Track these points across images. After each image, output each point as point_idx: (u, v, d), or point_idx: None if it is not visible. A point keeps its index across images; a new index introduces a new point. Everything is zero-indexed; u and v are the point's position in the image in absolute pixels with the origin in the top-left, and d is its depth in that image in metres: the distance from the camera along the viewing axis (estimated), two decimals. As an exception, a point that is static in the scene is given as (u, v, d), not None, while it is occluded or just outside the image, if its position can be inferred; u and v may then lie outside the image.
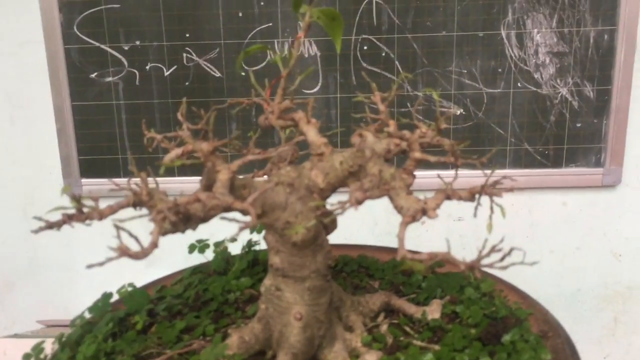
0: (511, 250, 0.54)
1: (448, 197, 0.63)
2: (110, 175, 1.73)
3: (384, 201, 0.61)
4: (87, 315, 0.83)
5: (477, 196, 0.63)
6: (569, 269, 1.82)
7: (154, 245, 0.56)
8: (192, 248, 0.96)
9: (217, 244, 0.98)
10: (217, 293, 0.83)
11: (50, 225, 0.63)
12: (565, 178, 1.72)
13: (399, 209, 0.60)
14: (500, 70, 1.64)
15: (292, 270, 0.66)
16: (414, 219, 0.57)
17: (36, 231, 0.64)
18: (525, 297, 0.85)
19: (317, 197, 0.63)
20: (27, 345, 1.41)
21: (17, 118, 1.73)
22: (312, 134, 0.66)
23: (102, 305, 0.84)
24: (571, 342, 0.73)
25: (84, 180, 1.74)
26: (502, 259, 0.52)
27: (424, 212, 0.59)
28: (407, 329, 0.75)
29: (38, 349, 0.73)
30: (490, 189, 0.61)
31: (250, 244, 0.97)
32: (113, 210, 0.62)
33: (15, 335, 1.44)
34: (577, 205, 1.77)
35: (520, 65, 1.64)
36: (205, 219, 0.64)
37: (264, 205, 0.63)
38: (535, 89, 1.65)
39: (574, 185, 1.73)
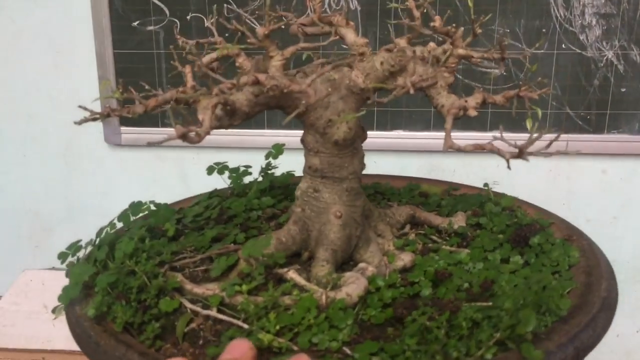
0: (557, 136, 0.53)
1: (484, 101, 0.62)
2: (149, 125, 1.76)
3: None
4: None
5: (512, 101, 0.62)
6: (605, 239, 1.75)
7: (208, 129, 0.56)
8: (210, 170, 0.96)
9: (233, 170, 0.98)
10: (240, 210, 0.84)
11: (94, 117, 0.63)
12: (606, 145, 1.68)
13: (439, 107, 0.60)
14: (544, 30, 1.61)
15: (331, 171, 0.66)
16: (459, 111, 0.56)
17: (79, 122, 0.64)
18: (544, 211, 0.85)
19: (358, 98, 0.63)
20: (64, 277, 1.45)
21: (60, 64, 1.76)
22: (351, 35, 0.66)
23: (133, 212, 0.86)
24: (595, 244, 0.74)
25: (123, 129, 1.77)
26: (549, 145, 0.51)
27: (465, 109, 0.59)
28: (434, 237, 0.76)
29: (75, 247, 0.75)
30: (525, 92, 0.59)
31: (268, 166, 0.97)
32: (158, 102, 0.63)
33: (54, 268, 1.48)
34: (617, 174, 1.73)
35: (566, 26, 1.60)
36: (249, 114, 0.64)
37: (307, 103, 0.63)
38: (580, 51, 1.61)
39: (615, 152, 1.68)
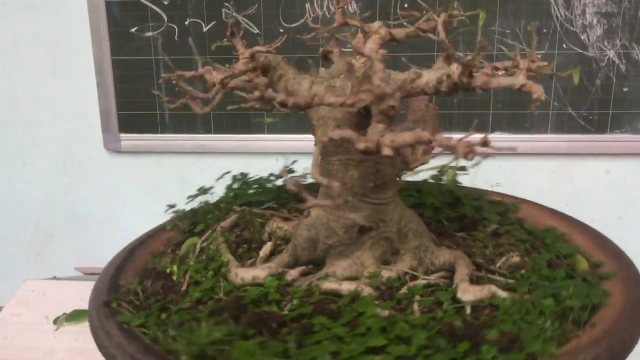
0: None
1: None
2: (149, 131, 1.75)
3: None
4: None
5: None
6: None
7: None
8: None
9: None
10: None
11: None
12: (609, 144, 1.67)
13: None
14: (545, 30, 1.59)
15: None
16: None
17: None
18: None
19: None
20: (65, 287, 1.44)
21: (58, 71, 1.75)
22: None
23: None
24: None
25: (122, 135, 1.76)
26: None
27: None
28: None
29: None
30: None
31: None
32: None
33: (55, 278, 1.46)
34: (620, 174, 1.72)
35: (566, 26, 1.59)
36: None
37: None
38: (581, 51, 1.60)
39: (618, 152, 1.67)
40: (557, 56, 1.61)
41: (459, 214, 0.83)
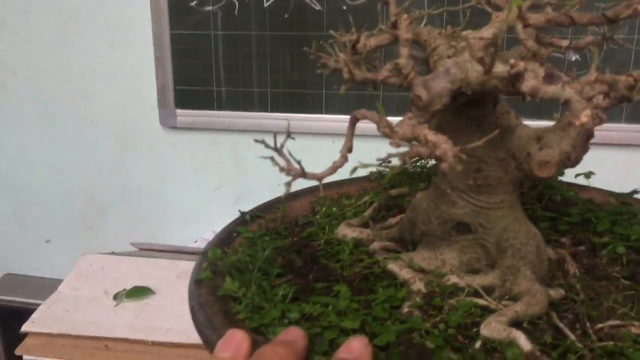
0: None
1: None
2: (205, 107, 1.72)
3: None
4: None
5: None
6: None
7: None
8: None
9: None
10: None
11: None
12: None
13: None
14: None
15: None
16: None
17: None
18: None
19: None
20: (123, 262, 1.44)
21: (116, 44, 1.74)
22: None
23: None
24: None
25: (178, 111, 1.74)
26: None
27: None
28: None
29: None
30: None
31: None
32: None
33: (113, 253, 1.46)
34: (696, 167, 1.63)
35: (649, 9, 1.49)
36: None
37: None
38: (662, 36, 1.50)
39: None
40: (636, 41, 1.52)
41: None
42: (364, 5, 1.58)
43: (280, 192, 1.01)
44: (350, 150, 0.63)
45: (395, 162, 0.53)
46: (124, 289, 1.33)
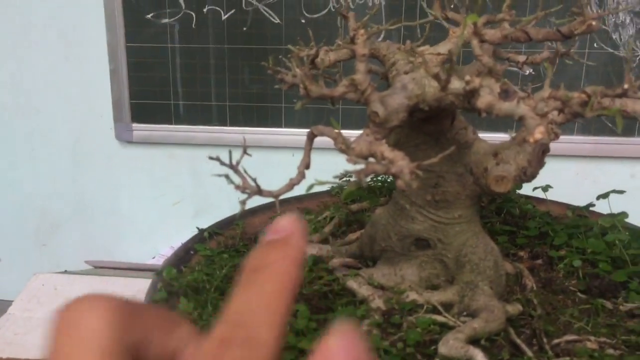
0: None
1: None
2: (162, 122, 1.69)
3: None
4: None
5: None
6: (632, 245, 1.73)
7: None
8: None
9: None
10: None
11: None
12: (635, 148, 1.62)
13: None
14: (598, 20, 1.54)
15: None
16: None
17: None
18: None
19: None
20: (77, 281, 1.39)
21: (71, 57, 1.69)
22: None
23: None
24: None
25: (134, 125, 1.70)
26: None
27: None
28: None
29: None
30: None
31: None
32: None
33: (66, 272, 1.41)
34: (646, 178, 1.68)
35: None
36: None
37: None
38: (612, 51, 1.55)
39: (645, 156, 1.63)
40: (587, 55, 1.56)
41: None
42: (323, 18, 1.58)
43: (240, 207, 1.00)
44: (308, 166, 0.62)
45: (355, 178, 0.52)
46: (78, 310, 1.28)
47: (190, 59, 1.64)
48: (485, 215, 0.84)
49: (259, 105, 1.67)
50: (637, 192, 1.68)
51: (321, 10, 1.58)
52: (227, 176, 0.55)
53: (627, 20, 1.54)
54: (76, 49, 1.68)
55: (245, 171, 0.57)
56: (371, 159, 0.53)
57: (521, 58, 0.72)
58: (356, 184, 0.49)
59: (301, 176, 0.59)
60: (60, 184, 1.81)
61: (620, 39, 1.55)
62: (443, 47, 0.63)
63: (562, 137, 1.72)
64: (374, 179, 0.96)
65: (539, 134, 0.45)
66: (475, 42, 0.53)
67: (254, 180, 0.56)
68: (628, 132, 1.61)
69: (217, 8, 1.60)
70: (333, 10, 1.59)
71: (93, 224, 1.84)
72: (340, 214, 0.86)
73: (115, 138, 1.73)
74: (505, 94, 0.52)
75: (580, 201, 1.71)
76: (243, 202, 0.55)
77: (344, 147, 0.55)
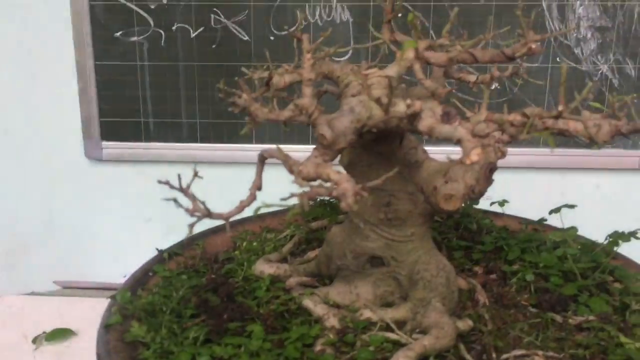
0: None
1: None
2: (132, 139, 1.69)
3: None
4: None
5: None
6: (600, 254, 1.76)
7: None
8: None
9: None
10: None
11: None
12: (600, 159, 1.65)
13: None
14: (539, 43, 1.57)
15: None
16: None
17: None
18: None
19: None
20: (44, 303, 1.38)
21: (39, 75, 1.68)
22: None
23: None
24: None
25: (104, 143, 1.70)
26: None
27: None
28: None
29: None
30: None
31: None
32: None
33: (32, 293, 1.40)
34: (611, 189, 1.71)
35: (560, 39, 1.57)
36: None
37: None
38: (574, 65, 1.58)
39: (609, 167, 1.66)
40: (550, 69, 1.59)
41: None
42: (291, 34, 1.59)
43: (212, 223, 1.00)
44: (259, 187, 0.62)
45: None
46: (44, 332, 1.27)
47: (160, 77, 1.64)
48: (443, 231, 0.85)
49: (229, 122, 1.67)
50: (604, 202, 1.71)
51: (290, 27, 1.60)
52: (175, 200, 0.56)
53: (589, 35, 1.57)
54: (44, 67, 1.67)
55: (194, 197, 0.57)
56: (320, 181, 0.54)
57: (472, 78, 0.74)
58: (300, 208, 0.50)
59: (252, 197, 0.60)
60: (30, 204, 1.79)
61: (583, 54, 1.58)
62: (391, 70, 0.64)
63: (528, 150, 1.74)
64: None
65: (475, 155, 0.47)
66: (417, 67, 0.54)
67: (203, 203, 0.56)
68: (593, 144, 1.64)
69: (185, 26, 1.61)
70: (302, 27, 1.60)
71: (63, 243, 1.82)
72: (301, 232, 0.87)
73: (84, 156, 1.72)
74: (447, 117, 0.54)
75: (548, 212, 1.74)
76: (191, 226, 0.56)
77: (293, 169, 0.56)
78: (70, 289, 1.49)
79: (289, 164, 0.56)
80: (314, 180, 0.54)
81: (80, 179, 1.76)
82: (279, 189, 0.56)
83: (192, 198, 0.57)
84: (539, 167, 1.67)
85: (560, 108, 0.53)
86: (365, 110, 0.58)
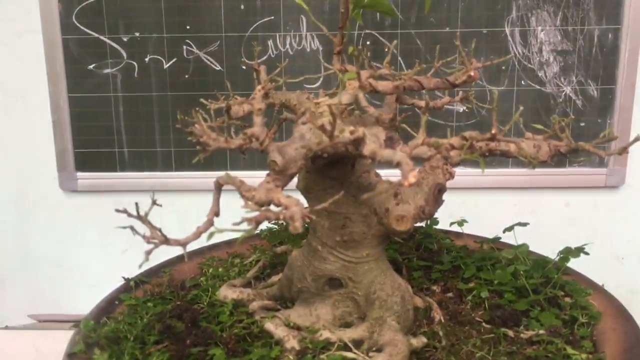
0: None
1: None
2: (107, 169, 1.70)
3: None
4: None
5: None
6: (572, 272, 1.79)
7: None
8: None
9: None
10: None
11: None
12: (568, 178, 1.69)
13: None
14: (504, 67, 1.62)
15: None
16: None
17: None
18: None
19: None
20: (17, 336, 1.37)
21: (12, 109, 1.70)
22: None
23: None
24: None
25: (79, 174, 1.71)
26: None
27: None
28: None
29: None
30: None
31: None
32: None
33: (6, 328, 1.39)
34: (579, 206, 1.75)
35: (524, 63, 1.62)
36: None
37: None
38: (539, 87, 1.63)
39: (577, 185, 1.70)
40: (516, 92, 1.64)
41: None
42: (263, 63, 1.63)
43: (180, 251, 1.01)
44: (217, 214, 0.64)
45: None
46: (18, 365, 1.26)
47: (134, 107, 1.66)
48: (404, 252, 0.87)
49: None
50: (573, 220, 1.75)
51: (261, 56, 1.63)
52: (132, 228, 0.57)
53: (551, 59, 1.63)
54: (17, 100, 1.69)
55: (151, 223, 0.59)
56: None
57: (422, 103, 0.77)
58: (250, 232, 0.52)
59: (209, 223, 0.62)
60: (4, 237, 1.79)
61: (546, 77, 1.63)
62: (343, 97, 0.67)
63: (498, 170, 1.77)
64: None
65: (412, 178, 0.49)
66: (360, 95, 0.57)
67: (160, 230, 0.58)
68: (561, 163, 1.68)
69: (158, 57, 1.64)
70: (273, 56, 1.64)
71: (39, 276, 1.81)
72: (266, 257, 0.88)
73: (59, 187, 1.72)
74: (390, 141, 0.56)
75: (519, 231, 1.77)
76: (148, 253, 0.57)
77: (245, 195, 0.58)
78: (47, 322, 1.48)
79: (241, 189, 0.58)
80: (265, 205, 0.56)
81: (55, 211, 1.76)
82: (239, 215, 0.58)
83: (150, 225, 0.59)
84: (509, 187, 1.70)
85: (493, 131, 0.55)
86: (315, 137, 0.61)
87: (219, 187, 0.64)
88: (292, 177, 0.61)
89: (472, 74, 0.64)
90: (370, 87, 0.62)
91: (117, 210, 0.62)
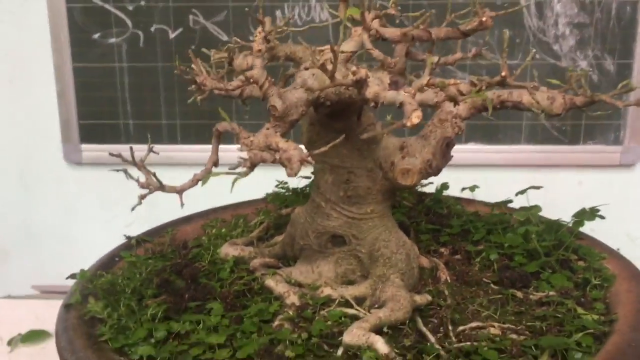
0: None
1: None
2: (111, 141, 1.68)
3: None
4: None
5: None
6: (583, 252, 1.75)
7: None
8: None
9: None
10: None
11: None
12: (582, 156, 1.65)
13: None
14: (518, 40, 1.58)
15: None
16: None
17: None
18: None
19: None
20: (20, 306, 1.36)
21: (16, 79, 1.68)
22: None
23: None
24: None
25: (83, 146, 1.69)
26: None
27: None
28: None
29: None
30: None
31: None
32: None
33: (9, 297, 1.38)
34: (593, 185, 1.70)
35: (539, 36, 1.58)
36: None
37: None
38: (554, 61, 1.59)
39: (591, 163, 1.66)
40: (530, 66, 1.59)
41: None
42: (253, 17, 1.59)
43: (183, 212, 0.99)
44: (216, 163, 0.62)
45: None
46: (19, 334, 1.25)
47: (139, 78, 1.64)
48: (413, 216, 0.85)
49: (210, 123, 1.66)
50: (586, 199, 1.70)
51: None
52: (125, 171, 0.55)
53: (567, 32, 1.58)
54: (22, 71, 1.67)
55: (147, 168, 0.57)
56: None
57: (435, 59, 0.74)
58: (246, 172, 0.49)
59: (206, 172, 0.59)
60: (9, 209, 1.78)
61: (562, 50, 1.59)
62: (347, 45, 0.64)
63: (510, 147, 1.74)
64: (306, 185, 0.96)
65: (415, 118, 0.46)
66: (365, 37, 0.54)
67: (154, 174, 0.56)
68: (574, 140, 1.64)
69: (164, 27, 1.61)
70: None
71: (43, 248, 1.80)
72: (270, 218, 0.86)
73: (64, 159, 1.71)
74: (394, 85, 0.53)
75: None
76: (142, 197, 0.55)
77: (244, 141, 0.55)
78: (49, 293, 1.47)
79: (240, 136, 0.55)
80: (264, 149, 0.53)
81: (59, 183, 1.75)
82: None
83: (146, 172, 0.57)
84: (521, 164, 1.66)
85: (503, 73, 0.52)
86: (317, 83, 0.58)
87: (218, 135, 0.61)
88: (292, 124, 0.58)
89: (484, 19, 0.60)
90: (376, 33, 0.59)
91: (111, 154, 0.60)
